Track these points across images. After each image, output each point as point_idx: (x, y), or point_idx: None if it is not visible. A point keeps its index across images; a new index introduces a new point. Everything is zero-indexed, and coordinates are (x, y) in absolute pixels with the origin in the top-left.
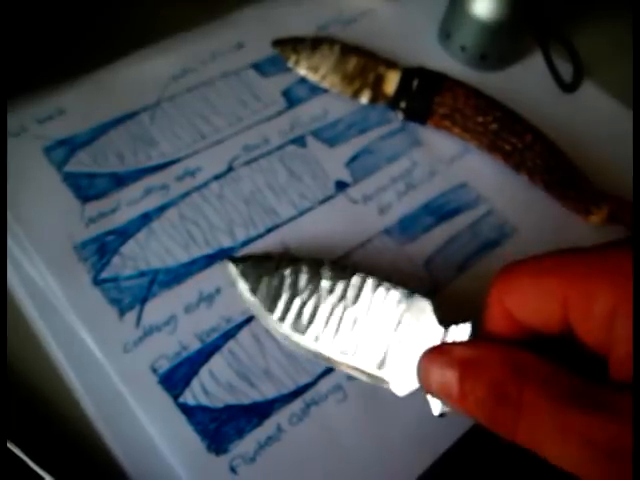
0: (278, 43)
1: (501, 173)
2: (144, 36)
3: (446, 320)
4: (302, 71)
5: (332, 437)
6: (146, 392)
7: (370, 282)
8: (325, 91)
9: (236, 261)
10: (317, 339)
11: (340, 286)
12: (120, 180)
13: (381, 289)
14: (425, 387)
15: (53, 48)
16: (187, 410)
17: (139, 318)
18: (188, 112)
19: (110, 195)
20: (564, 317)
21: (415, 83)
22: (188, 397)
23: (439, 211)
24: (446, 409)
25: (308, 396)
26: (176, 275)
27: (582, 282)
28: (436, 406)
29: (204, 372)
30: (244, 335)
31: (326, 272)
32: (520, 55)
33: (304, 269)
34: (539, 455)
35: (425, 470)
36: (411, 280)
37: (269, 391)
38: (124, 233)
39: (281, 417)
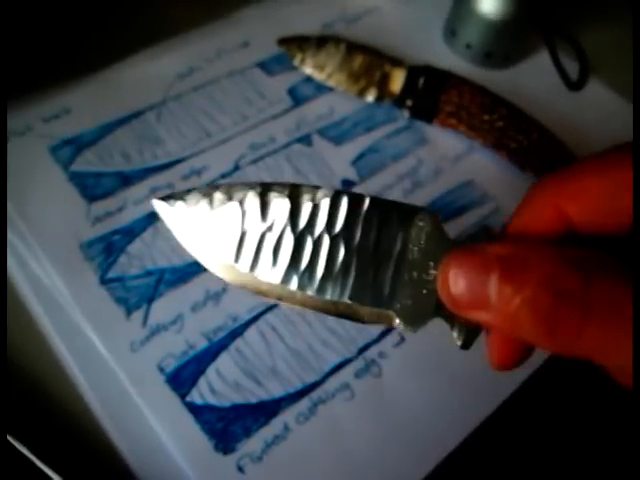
0: (284, 42)
1: (507, 171)
2: (150, 35)
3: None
4: (308, 69)
5: (339, 436)
6: (153, 391)
7: (361, 201)
8: (331, 89)
9: (168, 199)
10: (288, 280)
11: (321, 210)
12: (126, 179)
13: (374, 208)
14: (449, 302)
15: (59, 47)
16: (194, 409)
17: (146, 317)
18: (194, 111)
19: (116, 194)
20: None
21: (421, 81)
22: (195, 396)
23: (445, 209)
24: (473, 335)
25: (315, 395)
26: (183, 274)
27: None
28: (460, 333)
29: (211, 371)
30: (251, 333)
31: (299, 196)
32: (526, 53)
33: (269, 196)
34: (601, 362)
35: (433, 469)
36: None
37: (276, 390)
38: (130, 232)
39: (288, 416)
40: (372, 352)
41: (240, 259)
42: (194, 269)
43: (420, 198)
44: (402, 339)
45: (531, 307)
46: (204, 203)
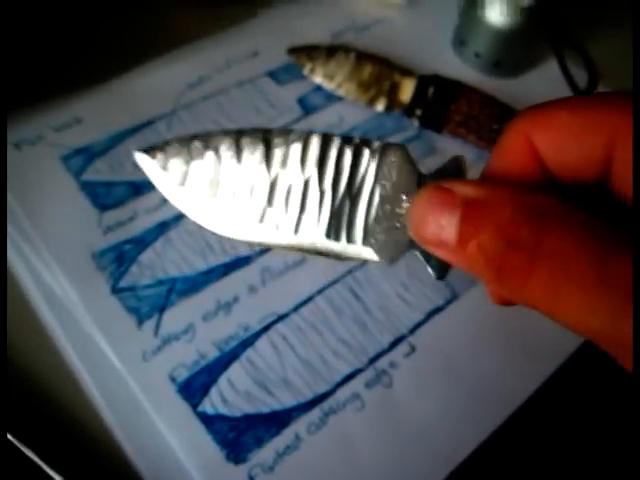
0: (293, 51)
1: None
2: (160, 45)
3: None
4: (317, 79)
5: (350, 446)
6: (165, 401)
7: (331, 140)
8: (340, 99)
9: (150, 151)
10: (264, 221)
11: (293, 152)
12: (137, 189)
13: (345, 147)
14: (419, 238)
15: (70, 57)
16: (206, 419)
17: (157, 327)
18: (204, 120)
19: (127, 204)
20: (606, 155)
21: (431, 91)
22: (207, 406)
23: None
24: (447, 267)
25: (326, 405)
26: (194, 284)
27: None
28: (434, 266)
29: (223, 381)
30: (262, 343)
31: (272, 139)
32: (534, 62)
33: (243, 142)
34: (546, 314)
35: (444, 478)
36: (429, 291)
37: (287, 400)
38: (142, 242)
39: (299, 426)
40: (383, 362)
41: (218, 204)
42: (205, 278)
43: None
44: (413, 349)
45: (483, 252)
46: (183, 152)
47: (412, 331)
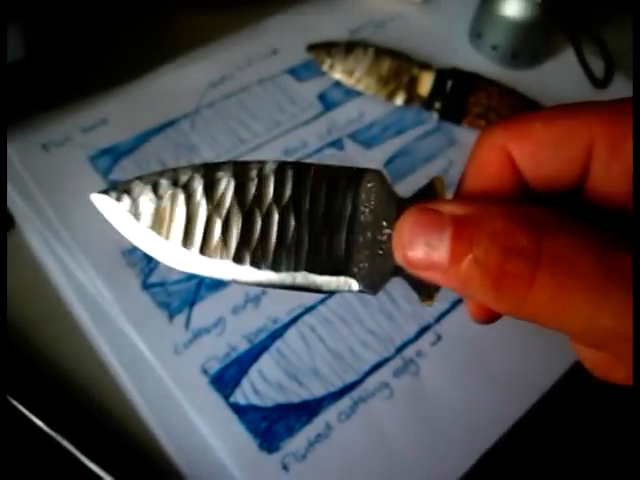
0: (312, 48)
1: None
2: (182, 45)
3: None
4: (337, 75)
5: (380, 434)
6: (198, 393)
7: (306, 170)
8: (360, 94)
9: (111, 192)
10: (241, 259)
11: (266, 185)
12: None
13: (319, 174)
14: (407, 263)
15: (94, 58)
16: (238, 410)
17: (188, 321)
18: (227, 118)
19: None
20: (583, 163)
21: (449, 84)
22: (239, 397)
23: None
24: (434, 291)
25: (355, 394)
26: None
27: (611, 120)
28: (421, 290)
29: (253, 372)
30: (291, 335)
31: (245, 172)
32: (551, 52)
33: (214, 177)
34: (548, 323)
35: (472, 465)
36: None
37: (317, 389)
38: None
39: (330, 415)
40: (410, 351)
41: (189, 244)
42: None
43: None
44: (439, 338)
45: (480, 265)
46: (149, 192)
47: (438, 320)
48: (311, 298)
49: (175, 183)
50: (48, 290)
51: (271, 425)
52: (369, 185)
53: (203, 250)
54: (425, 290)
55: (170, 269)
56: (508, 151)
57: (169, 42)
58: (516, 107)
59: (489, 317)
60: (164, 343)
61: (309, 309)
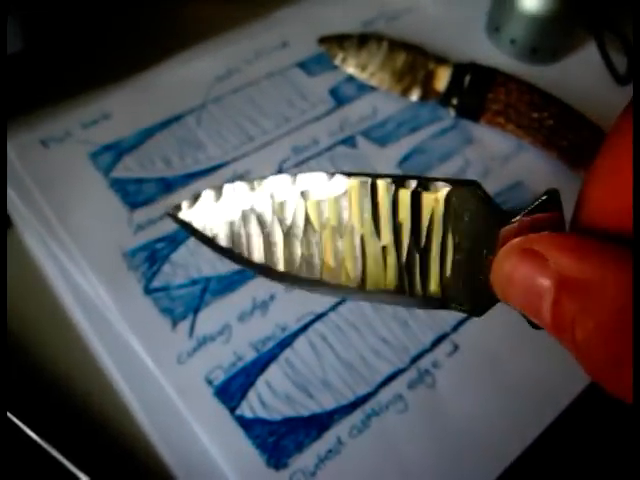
0: (324, 41)
1: (558, 171)
2: (187, 37)
3: None
4: (349, 69)
5: (394, 449)
6: (202, 405)
7: (386, 188)
8: (373, 89)
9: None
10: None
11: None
12: (168, 185)
13: (400, 192)
14: (504, 300)
15: (96, 52)
16: (244, 423)
17: (192, 328)
18: (234, 113)
19: (158, 201)
20: None
21: (467, 79)
22: (245, 409)
23: None
24: None
25: (368, 407)
26: (229, 283)
27: None
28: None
29: (261, 383)
30: (300, 343)
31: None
32: (572, 47)
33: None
34: None
35: None
36: None
37: (328, 402)
38: (174, 240)
39: (341, 429)
40: (425, 362)
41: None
42: (240, 277)
43: None
44: (456, 348)
45: (588, 341)
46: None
47: (455, 329)
48: (322, 305)
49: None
50: (45, 294)
51: (279, 440)
52: (462, 201)
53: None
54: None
55: (174, 273)
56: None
57: (174, 34)
58: (536, 104)
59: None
60: (167, 351)
61: (320, 316)
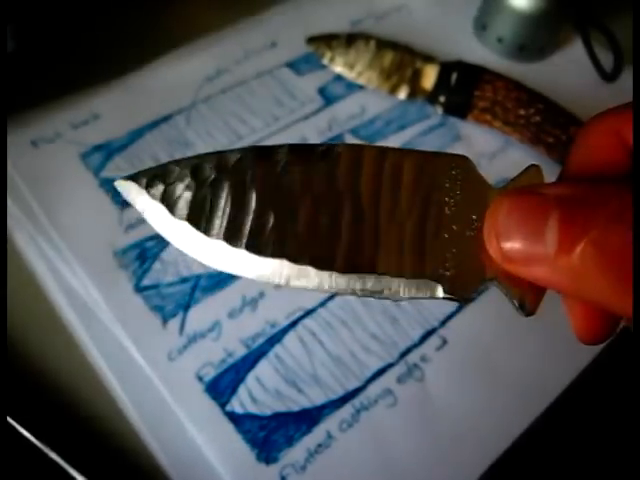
0: (312, 40)
1: (545, 166)
2: (176, 38)
3: None
4: (338, 68)
5: (384, 443)
6: (192, 401)
7: (382, 157)
8: (361, 88)
9: (134, 178)
10: (300, 258)
11: (327, 166)
12: None
13: (397, 159)
14: (500, 258)
15: (85, 53)
16: (235, 418)
17: (182, 325)
18: (224, 113)
19: None
20: None
21: (454, 77)
22: (235, 405)
23: None
24: (537, 297)
25: (357, 401)
26: (218, 280)
27: None
28: (520, 298)
29: (251, 379)
30: (290, 339)
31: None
32: (558, 45)
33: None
34: None
35: (480, 476)
36: None
37: (318, 397)
38: (164, 238)
39: (331, 423)
40: (414, 356)
41: (235, 239)
42: (230, 275)
43: None
44: (444, 342)
45: (600, 250)
46: (187, 178)
47: (443, 323)
48: (311, 301)
49: (220, 167)
50: (36, 293)
51: (269, 435)
52: (453, 172)
53: (251, 247)
54: (525, 297)
55: (164, 271)
56: (622, 136)
57: (164, 34)
58: (523, 101)
59: (600, 334)
60: (157, 348)
61: (309, 312)
